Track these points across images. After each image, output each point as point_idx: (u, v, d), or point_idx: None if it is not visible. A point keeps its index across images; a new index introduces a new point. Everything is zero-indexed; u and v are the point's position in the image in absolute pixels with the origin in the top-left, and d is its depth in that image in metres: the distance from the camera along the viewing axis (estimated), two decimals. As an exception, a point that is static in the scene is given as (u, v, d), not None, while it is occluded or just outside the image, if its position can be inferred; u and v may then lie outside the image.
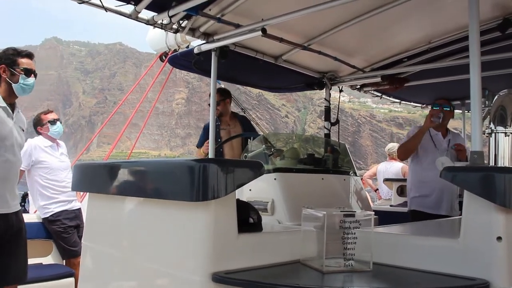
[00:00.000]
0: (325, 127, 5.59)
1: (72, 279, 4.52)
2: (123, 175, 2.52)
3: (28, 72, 3.52)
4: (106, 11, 3.60)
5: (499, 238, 1.79)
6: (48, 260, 4.89)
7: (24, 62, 3.53)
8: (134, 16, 3.70)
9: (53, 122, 5.07)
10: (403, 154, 4.94)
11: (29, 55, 3.62)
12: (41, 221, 4.90)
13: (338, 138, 5.18)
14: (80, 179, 3.00)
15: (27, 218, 4.29)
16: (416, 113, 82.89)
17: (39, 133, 5.08)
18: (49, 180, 4.86)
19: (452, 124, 4.88)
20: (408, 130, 5.32)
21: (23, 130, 3.64)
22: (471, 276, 1.82)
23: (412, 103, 6.82)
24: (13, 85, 3.47)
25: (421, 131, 4.58)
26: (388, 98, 6.30)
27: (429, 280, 1.92)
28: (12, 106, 3.52)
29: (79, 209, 5.06)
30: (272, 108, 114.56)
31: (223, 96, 5.25)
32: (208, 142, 4.56)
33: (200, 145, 5.25)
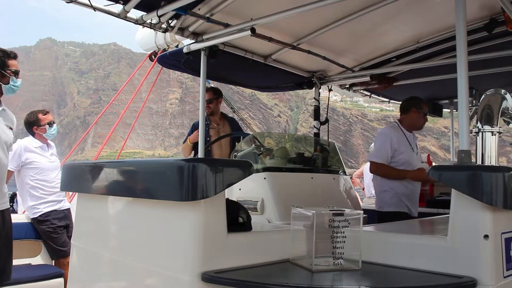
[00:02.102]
0: (314, 126, 5.61)
1: (61, 280, 4.48)
2: (112, 175, 2.51)
3: (17, 74, 3.57)
4: (95, 10, 3.58)
5: (486, 236, 1.81)
6: (37, 260, 4.85)
7: (12, 63, 3.57)
8: (123, 16, 3.69)
9: (51, 124, 5.02)
10: (381, 174, 4.37)
11: (16, 56, 3.67)
12: (29, 221, 4.86)
13: (328, 137, 5.19)
14: (69, 179, 2.98)
15: (16, 218, 4.27)
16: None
17: (33, 133, 5.00)
18: (38, 180, 4.82)
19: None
20: None
21: (11, 129, 3.64)
22: (459, 274, 1.84)
23: (400, 102, 6.85)
24: (2, 86, 3.51)
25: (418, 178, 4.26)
26: (377, 97, 6.33)
27: (417, 278, 1.94)
28: None
29: (69, 209, 5.03)
30: (264, 107, 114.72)
31: (216, 95, 5.25)
32: (198, 131, 4.55)
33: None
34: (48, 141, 5.11)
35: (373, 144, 4.82)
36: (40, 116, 5.02)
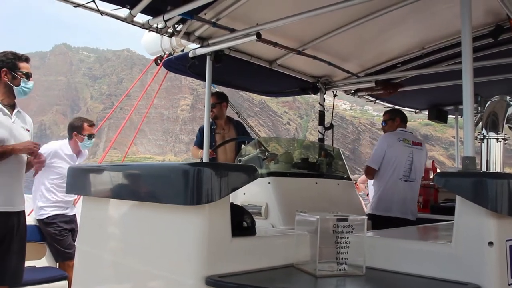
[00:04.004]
0: (319, 132, 5.61)
1: (65, 282, 4.50)
2: (117, 178, 2.52)
3: (28, 76, 3.62)
4: (102, 15, 3.61)
5: (490, 243, 1.81)
6: (41, 263, 4.86)
7: (24, 66, 3.63)
8: (129, 20, 3.71)
9: (90, 136, 5.05)
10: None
11: (27, 60, 3.75)
12: (35, 223, 4.88)
13: (332, 143, 5.20)
14: (75, 182, 2.99)
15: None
16: (416, 121, 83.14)
17: (70, 137, 5.01)
18: (55, 185, 4.82)
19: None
20: None
21: (27, 130, 3.72)
22: (463, 280, 1.83)
23: (406, 108, 6.85)
24: (14, 88, 3.58)
25: None
26: (382, 103, 6.33)
27: (421, 285, 1.93)
28: (12, 107, 3.59)
29: (74, 215, 5.04)
30: (274, 115, 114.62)
31: (220, 99, 5.26)
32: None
33: (197, 143, 5.25)
34: (84, 150, 5.10)
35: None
36: (86, 125, 5.03)
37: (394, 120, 4.86)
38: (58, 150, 4.88)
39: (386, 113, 5.09)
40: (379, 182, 4.63)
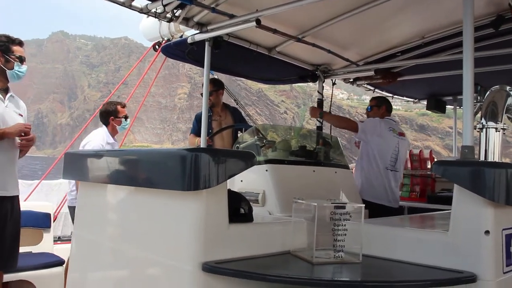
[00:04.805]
0: (317, 120, 5.60)
1: (62, 268, 4.50)
2: (115, 163, 2.51)
3: (22, 60, 3.58)
4: (100, -1, 3.57)
5: (487, 232, 1.82)
6: (38, 248, 4.87)
7: (17, 49, 3.60)
8: (127, 4, 3.68)
9: (126, 117, 5.04)
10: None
11: (21, 43, 3.69)
12: (30, 209, 4.86)
13: (330, 131, 5.19)
14: (71, 167, 2.98)
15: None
16: (413, 111, 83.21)
17: (107, 123, 5.00)
18: None
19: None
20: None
21: (21, 115, 3.67)
22: (459, 269, 1.84)
23: (404, 98, 6.84)
24: (7, 71, 3.54)
25: None
26: (381, 92, 6.32)
27: (417, 273, 1.94)
28: (5, 91, 3.56)
29: None
30: (271, 104, 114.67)
31: (216, 86, 5.24)
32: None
33: (194, 132, 5.24)
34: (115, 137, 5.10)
35: None
36: (119, 108, 5.03)
37: (380, 107, 4.88)
38: (107, 139, 4.90)
39: (373, 99, 5.11)
40: (368, 169, 4.64)
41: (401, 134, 4.76)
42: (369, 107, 5.01)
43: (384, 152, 4.59)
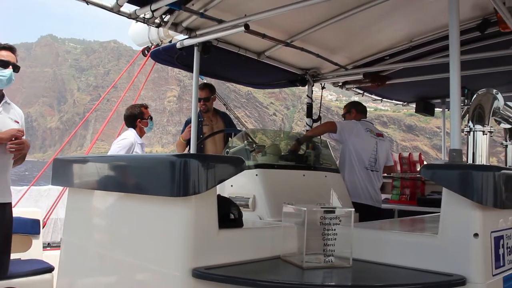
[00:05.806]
0: (307, 124, 5.62)
1: (51, 274, 4.45)
2: (103, 169, 2.49)
3: (5, 64, 3.48)
4: (88, 4, 3.56)
5: (475, 235, 1.82)
6: (27, 255, 4.82)
7: (2, 54, 3.50)
8: (116, 10, 3.66)
9: (151, 118, 5.02)
10: None
11: (9, 48, 3.60)
12: (19, 215, 4.81)
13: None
14: (60, 174, 2.96)
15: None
16: (401, 111, 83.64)
17: (134, 126, 4.98)
18: None
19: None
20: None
21: (17, 122, 3.61)
22: (449, 272, 1.85)
23: (393, 101, 6.89)
24: None
25: None
26: (370, 95, 6.35)
27: (407, 276, 1.95)
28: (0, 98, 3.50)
29: None
30: (260, 106, 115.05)
31: (212, 92, 5.21)
32: (189, 127, 4.55)
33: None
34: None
35: None
36: (143, 109, 5.03)
37: (350, 112, 4.92)
38: (138, 141, 4.90)
39: (344, 107, 5.17)
40: (349, 169, 4.66)
41: (379, 135, 4.79)
42: (342, 115, 5.07)
43: (363, 152, 4.61)
